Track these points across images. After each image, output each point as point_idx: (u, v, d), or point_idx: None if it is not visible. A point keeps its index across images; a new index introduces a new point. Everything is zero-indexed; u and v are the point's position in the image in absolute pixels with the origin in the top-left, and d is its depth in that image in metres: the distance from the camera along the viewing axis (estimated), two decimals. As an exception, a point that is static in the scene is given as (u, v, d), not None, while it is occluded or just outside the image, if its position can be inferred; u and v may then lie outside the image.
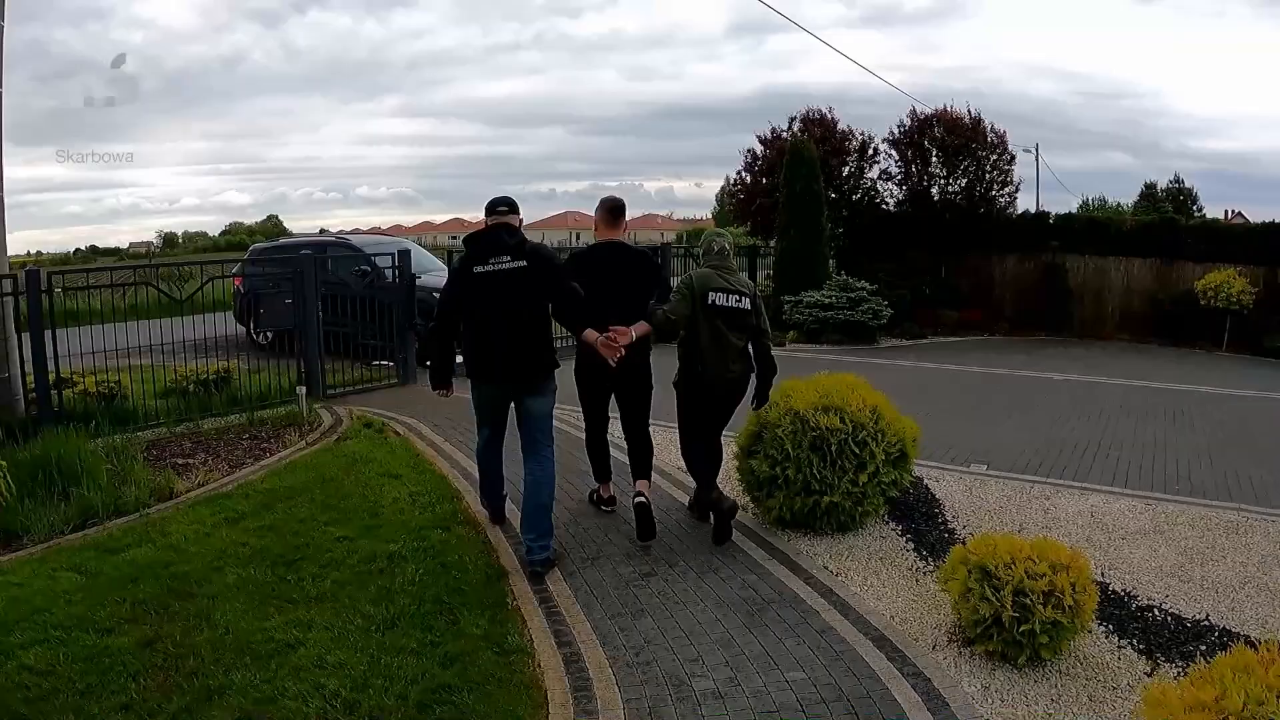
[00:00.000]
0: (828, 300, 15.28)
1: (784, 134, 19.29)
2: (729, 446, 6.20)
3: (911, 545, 5.59)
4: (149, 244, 72.16)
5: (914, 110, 19.36)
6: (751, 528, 5.82)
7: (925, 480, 6.74)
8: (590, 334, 5.38)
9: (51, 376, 8.51)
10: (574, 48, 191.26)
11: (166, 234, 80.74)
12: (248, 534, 5.83)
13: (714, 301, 5.56)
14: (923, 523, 5.94)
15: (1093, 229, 18.84)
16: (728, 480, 6.38)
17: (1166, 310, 16.89)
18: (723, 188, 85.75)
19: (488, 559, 5.37)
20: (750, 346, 5.79)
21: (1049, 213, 20.32)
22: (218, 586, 5.05)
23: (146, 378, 9.38)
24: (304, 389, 9.17)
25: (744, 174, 19.76)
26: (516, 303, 5.19)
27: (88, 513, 6.29)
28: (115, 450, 7.49)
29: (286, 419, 8.97)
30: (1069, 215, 20.36)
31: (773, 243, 19.37)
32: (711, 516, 5.69)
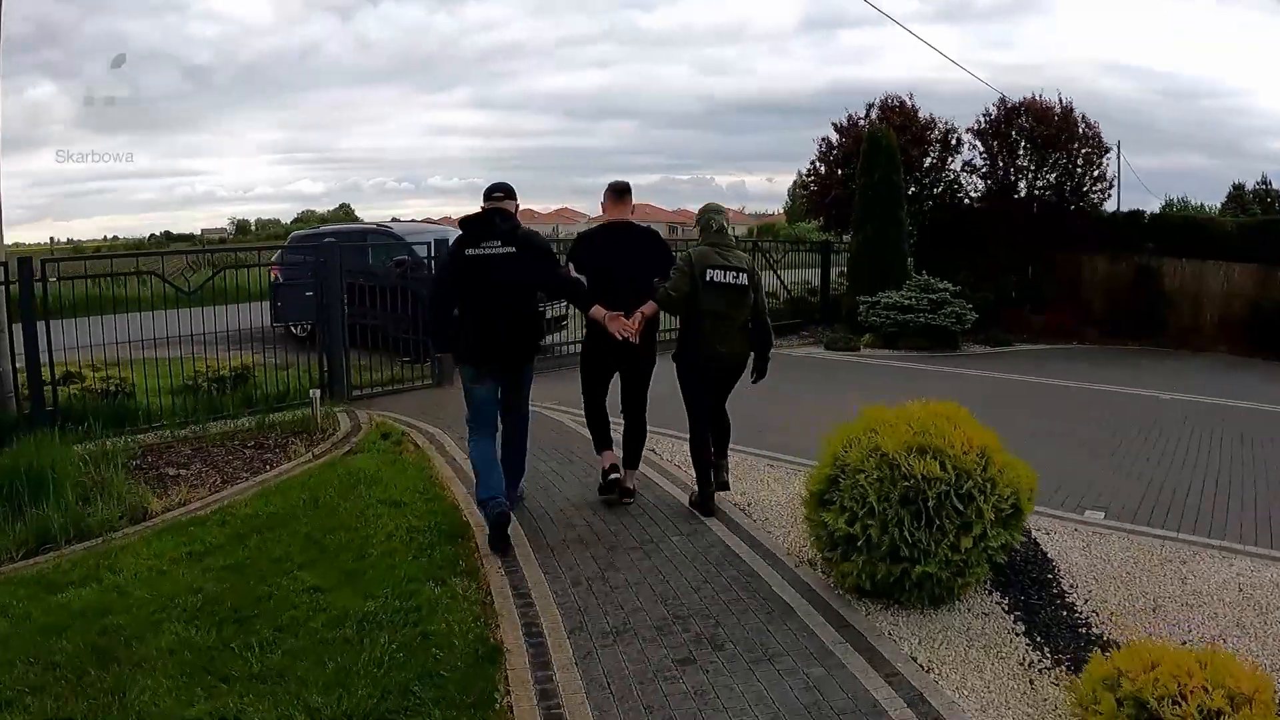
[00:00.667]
0: (907, 302, 13.90)
1: (861, 122, 17.89)
2: (796, 485, 5.66)
3: (1022, 627, 4.28)
4: (222, 230, 72.95)
5: (1002, 99, 17.80)
6: (821, 594, 4.56)
7: (1033, 531, 5.40)
8: (598, 310, 5.42)
9: (56, 371, 7.75)
10: (645, 41, 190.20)
11: (239, 221, 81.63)
12: (207, 575, 4.83)
13: (713, 278, 5.54)
14: (1034, 593, 4.64)
15: (1190, 230, 17.01)
16: (794, 524, 5.34)
17: (1271, 319, 15.02)
18: (795, 182, 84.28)
19: (482, 629, 4.19)
20: (750, 322, 5.81)
21: (1142, 211, 18.52)
22: (149, 649, 4.06)
23: (163, 373, 8.54)
24: (317, 392, 8.16)
25: (818, 164, 18.38)
26: (505, 287, 5.23)
27: (44, 536, 5.44)
28: (103, 457, 6.65)
29: (299, 424, 8.00)
30: (1163, 214, 18.58)
31: (847, 238, 18.04)
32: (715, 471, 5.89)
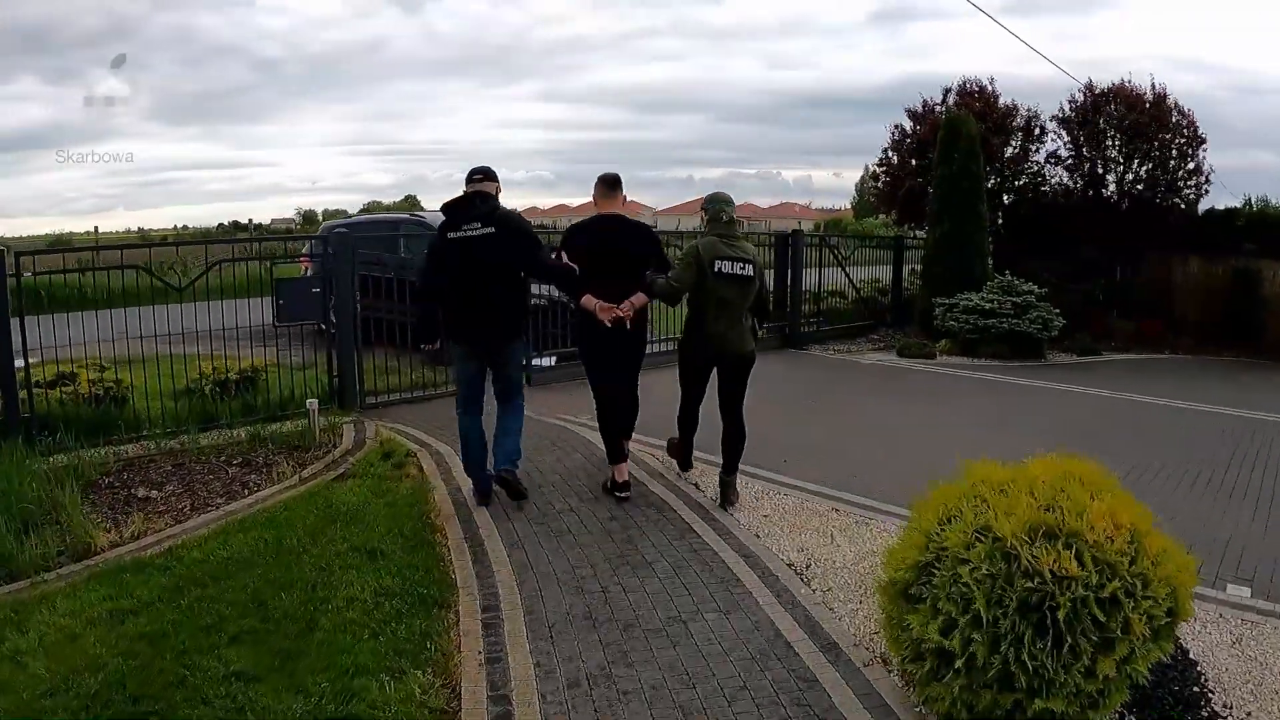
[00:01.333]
0: (989, 305, 12.50)
1: (938, 108, 16.48)
2: (869, 539, 5.06)
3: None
4: (289, 220, 73.49)
5: (1089, 84, 16.20)
6: (899, 715, 3.37)
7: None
8: (589, 300, 5.57)
9: (48, 373, 6.90)
10: (711, 35, 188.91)
11: (306, 211, 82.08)
12: (121, 644, 3.85)
13: (721, 269, 5.53)
14: (1178, 717, 3.40)
15: (1294, 230, 15.16)
16: (865, 596, 4.26)
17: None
18: (862, 177, 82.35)
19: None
20: (753, 313, 5.88)
21: (1238, 208, 16.68)
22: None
23: (166, 374, 7.69)
24: (315, 403, 7.16)
25: (890, 153, 16.98)
26: (485, 266, 5.31)
27: (-36, 578, 4.58)
28: (69, 474, 5.81)
29: (297, 438, 7.03)
30: (1262, 212, 16.69)
31: (919, 233, 16.69)
32: (720, 487, 5.88)
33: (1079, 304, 14.31)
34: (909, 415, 8.52)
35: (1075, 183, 16.42)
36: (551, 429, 7.49)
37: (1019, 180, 16.51)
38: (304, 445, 6.91)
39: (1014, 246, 15.74)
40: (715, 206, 5.82)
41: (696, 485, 6.11)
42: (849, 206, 78.40)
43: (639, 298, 5.59)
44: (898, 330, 14.53)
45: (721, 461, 5.93)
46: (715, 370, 5.83)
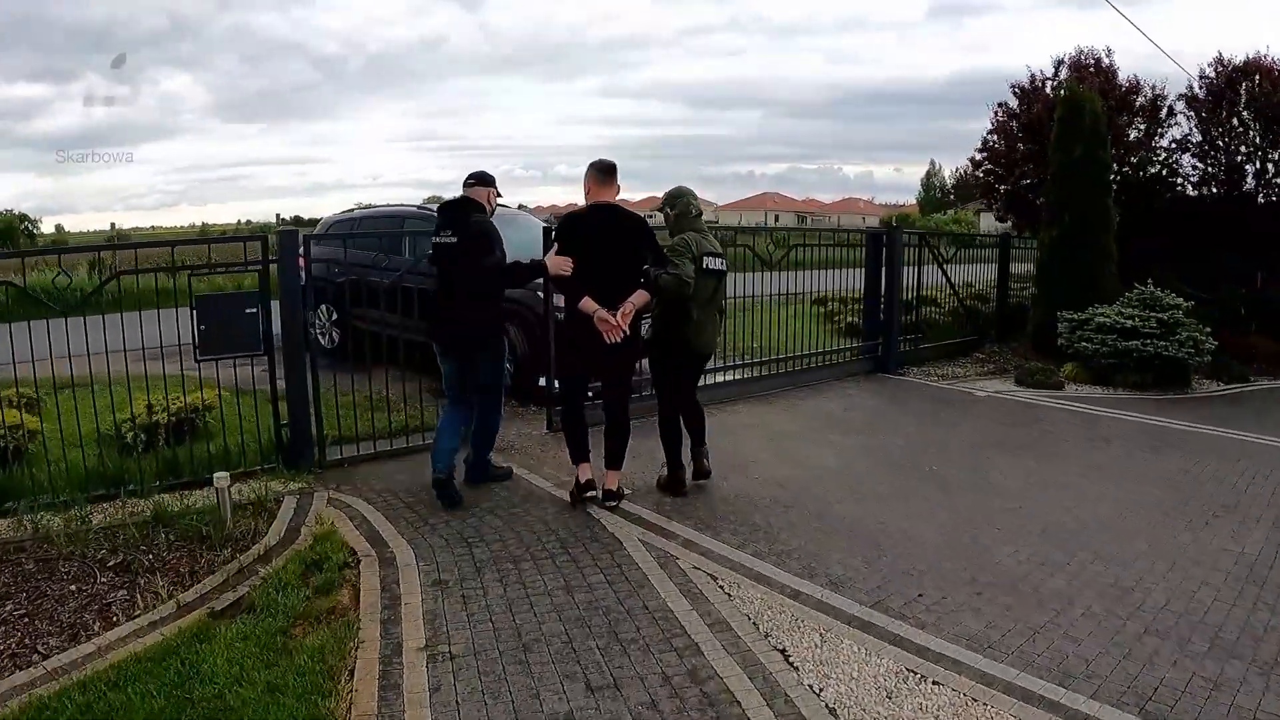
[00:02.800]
0: (1130, 323, 10.00)
1: (1048, 82, 13.95)
2: None
3: None
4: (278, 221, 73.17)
5: (1218, 57, 13.53)
6: None
7: None
8: (589, 304, 5.13)
9: None
10: (770, 30, 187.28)
11: (366, 206, 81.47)
12: None
13: (708, 265, 5.55)
14: None
15: None
16: None
17: None
18: (928, 172, 79.17)
19: None
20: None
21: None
22: None
23: (99, 408, 6.00)
24: (225, 479, 5.04)
25: (993, 138, 14.43)
26: (451, 274, 5.34)
27: None
28: None
29: (213, 517, 4.93)
30: None
31: (1020, 229, 14.21)
32: (690, 470, 5.82)
33: (1216, 319, 11.65)
34: (1084, 494, 5.94)
35: (1207, 173, 13.79)
36: (562, 515, 5.33)
37: (1147, 169, 13.87)
38: (214, 536, 4.81)
39: (1136, 248, 13.10)
40: (685, 200, 5.71)
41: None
42: (915, 202, 75.73)
43: (639, 296, 5.19)
44: (1002, 346, 12.09)
45: (690, 441, 5.90)
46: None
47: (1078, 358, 10.25)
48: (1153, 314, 10.15)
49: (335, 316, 10.24)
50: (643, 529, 4.96)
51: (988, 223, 48.22)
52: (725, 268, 5.72)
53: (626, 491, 5.57)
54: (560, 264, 5.19)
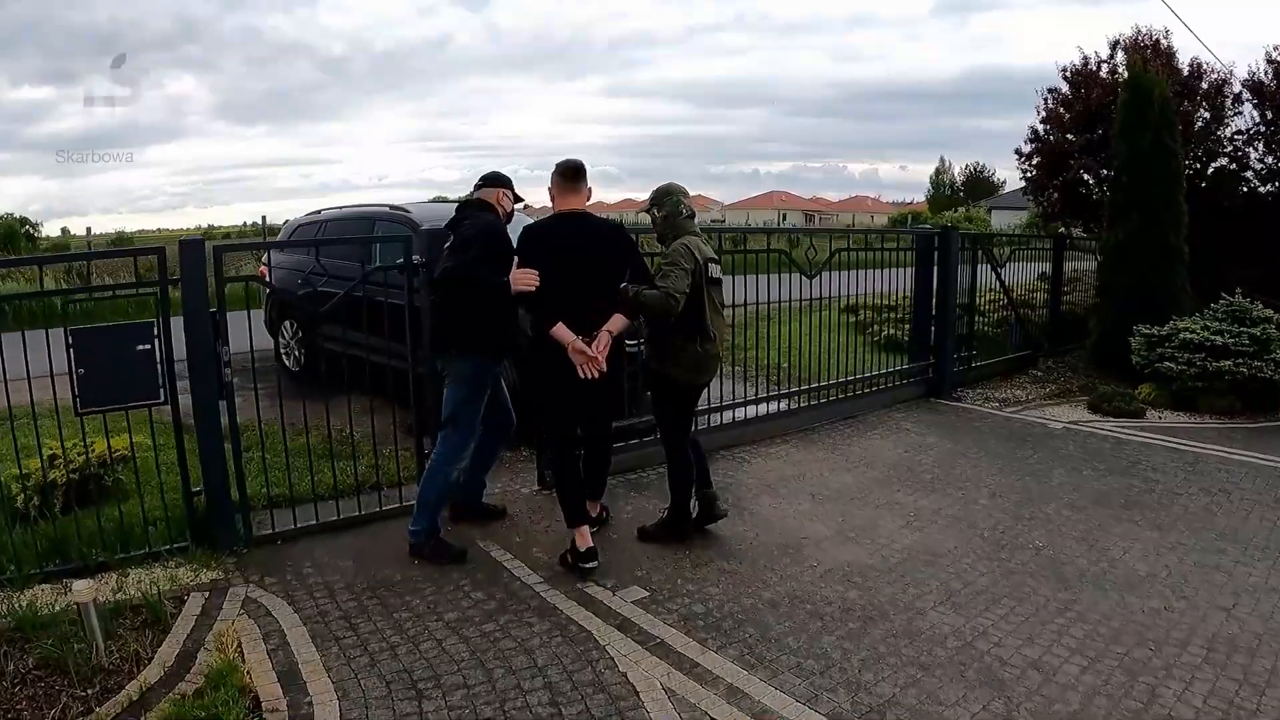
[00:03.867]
0: (1219, 340, 8.54)
1: (1102, 66, 12.49)
2: None
3: None
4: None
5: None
6: None
7: None
8: (563, 333, 4.30)
9: None
10: (775, 29, 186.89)
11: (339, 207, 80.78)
12: None
13: (714, 274, 4.70)
14: None
15: None
16: None
17: None
18: (936, 169, 77.53)
19: None
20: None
21: None
22: None
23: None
24: (90, 591, 3.59)
25: (1042, 127, 12.93)
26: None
27: None
28: None
29: (66, 641, 3.53)
30: None
31: (1075, 230, 12.74)
32: (696, 507, 4.95)
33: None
34: (1238, 581, 4.42)
35: (1274, 168, 12.30)
36: (553, 638, 3.85)
37: (1216, 161, 12.37)
38: (74, 671, 3.40)
39: (1204, 250, 11.60)
40: (674, 199, 4.78)
41: None
42: (923, 199, 74.32)
43: (616, 322, 4.39)
44: (1057, 361, 10.63)
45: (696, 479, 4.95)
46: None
47: (1156, 378, 8.77)
48: (1244, 329, 8.69)
49: (300, 334, 8.83)
50: (668, 666, 3.48)
51: (999, 220, 46.86)
52: (720, 277, 4.85)
53: (608, 516, 5.16)
54: (524, 278, 4.23)
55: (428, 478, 4.63)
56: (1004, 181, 71.69)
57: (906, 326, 9.99)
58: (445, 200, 10.34)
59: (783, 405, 7.21)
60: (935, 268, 8.48)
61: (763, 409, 6.98)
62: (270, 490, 5.09)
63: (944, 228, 9.02)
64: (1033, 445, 6.95)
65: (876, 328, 10.62)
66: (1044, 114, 12.85)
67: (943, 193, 73.24)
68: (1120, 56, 12.45)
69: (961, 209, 55.98)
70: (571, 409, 4.59)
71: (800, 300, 7.08)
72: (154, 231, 66.50)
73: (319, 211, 9.20)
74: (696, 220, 4.80)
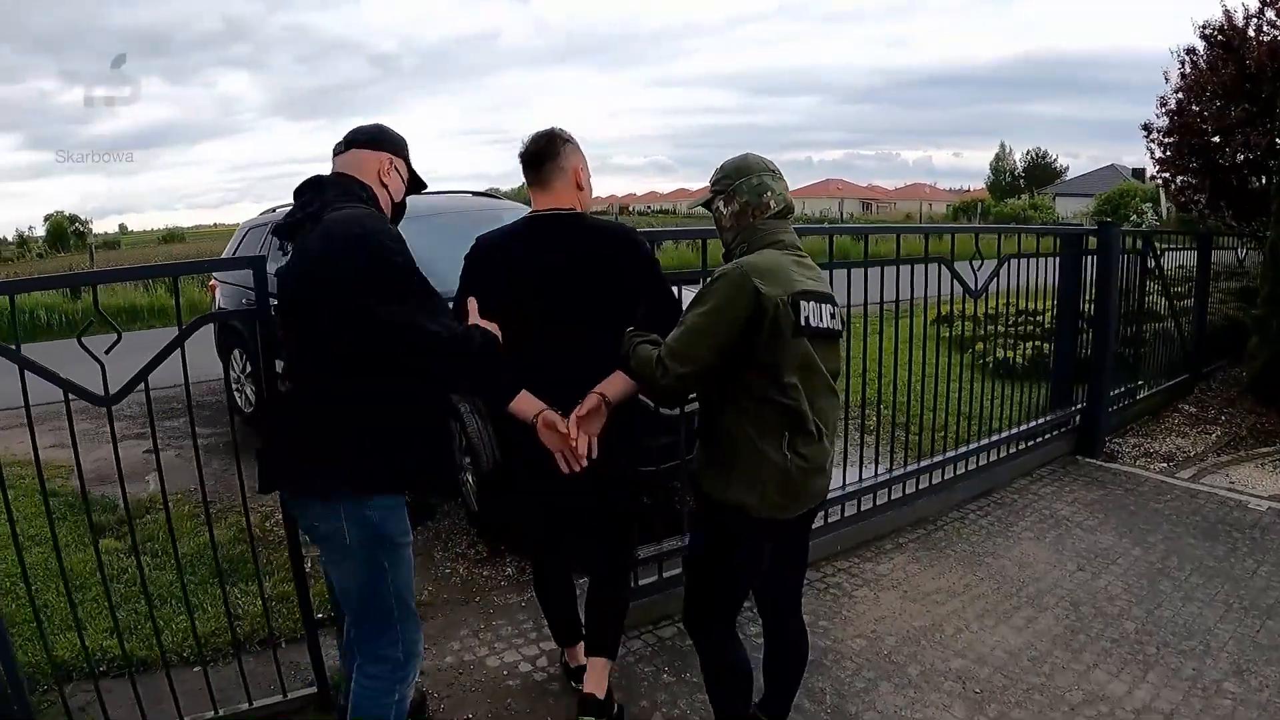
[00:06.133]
0: None
1: (1250, 20, 9.95)
2: None
3: None
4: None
5: None
6: None
7: None
8: (526, 404, 2.65)
9: None
10: (818, 16, 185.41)
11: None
12: None
13: (812, 322, 2.35)
14: None
15: None
16: None
17: None
18: (996, 155, 73.98)
19: None
20: None
21: None
22: None
23: None
24: None
25: (1177, 97, 10.40)
26: None
27: None
28: None
29: None
30: None
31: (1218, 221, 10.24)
32: None
33: None
34: None
35: None
36: None
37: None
38: None
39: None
40: (754, 180, 2.47)
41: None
42: (983, 186, 70.96)
43: (614, 384, 2.64)
44: (1203, 388, 8.24)
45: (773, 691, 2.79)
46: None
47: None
48: None
49: (249, 369, 6.82)
50: None
51: (1064, 208, 43.68)
52: (841, 327, 2.52)
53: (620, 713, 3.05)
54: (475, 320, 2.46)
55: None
56: (1066, 167, 68.15)
57: (1027, 346, 7.67)
58: (493, 194, 8.02)
59: (882, 473, 4.88)
60: (1094, 278, 6.12)
61: (856, 485, 4.71)
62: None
63: (1102, 223, 6.58)
64: (1245, 544, 4.59)
65: (981, 348, 8.21)
66: (1183, 82, 10.31)
67: (1003, 180, 69.79)
68: (1270, 14, 9.92)
69: (1025, 196, 52.88)
70: (550, 528, 2.97)
71: (867, 302, 4.44)
72: (210, 226, 66.02)
73: (274, 209, 7.15)
74: (794, 218, 2.61)
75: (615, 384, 2.64)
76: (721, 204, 2.53)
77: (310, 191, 2.37)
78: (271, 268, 2.58)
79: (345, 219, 2.22)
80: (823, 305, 2.40)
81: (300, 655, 3.24)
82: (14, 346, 2.41)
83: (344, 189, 2.36)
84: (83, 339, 2.51)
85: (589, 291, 2.64)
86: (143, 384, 2.64)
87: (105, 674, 3.27)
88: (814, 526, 4.29)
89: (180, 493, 5.25)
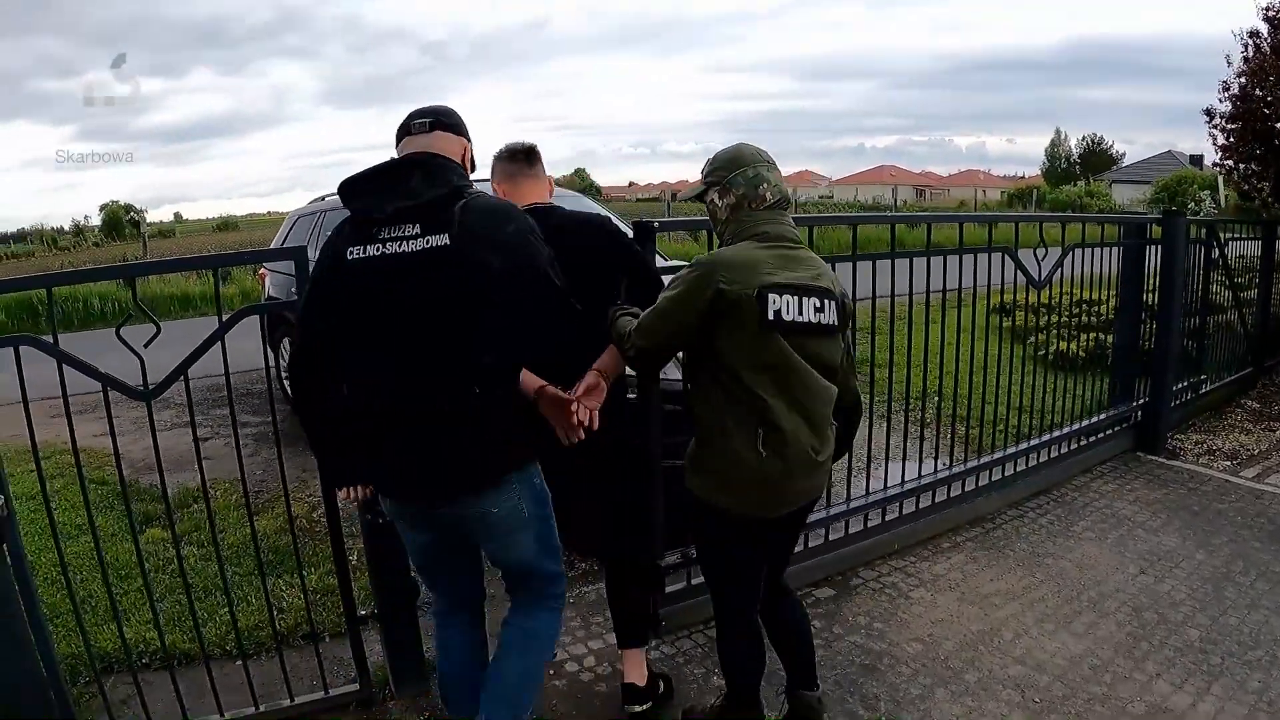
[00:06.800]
0: None
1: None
2: None
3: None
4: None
5: None
6: None
7: None
8: (527, 379, 2.49)
9: None
10: (871, 2, 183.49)
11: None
12: None
13: (782, 313, 2.30)
14: None
15: None
16: None
17: None
18: (1052, 141, 72.42)
19: None
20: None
21: None
22: None
23: None
24: None
25: (1239, 82, 9.97)
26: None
27: None
28: None
29: None
30: None
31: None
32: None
33: None
34: None
35: None
36: None
37: None
38: None
39: None
40: (749, 173, 2.45)
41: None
42: (1038, 173, 69.50)
43: (608, 358, 2.59)
44: (1266, 383, 7.92)
45: (785, 674, 2.81)
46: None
47: None
48: None
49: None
50: None
51: (1120, 195, 42.65)
52: (837, 320, 2.42)
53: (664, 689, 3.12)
54: None
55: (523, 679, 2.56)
56: (1123, 154, 66.55)
57: (1087, 339, 7.42)
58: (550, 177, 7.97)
59: (940, 469, 4.72)
60: (1159, 267, 5.86)
61: (909, 485, 4.54)
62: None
63: (1168, 212, 6.32)
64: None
65: (1040, 337, 7.95)
66: (1247, 65, 9.86)
67: (1058, 166, 68.32)
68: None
69: (1080, 183, 51.74)
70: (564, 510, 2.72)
71: (921, 290, 4.28)
72: (263, 214, 66.96)
73: (322, 198, 7.13)
74: (792, 210, 2.56)
75: (608, 359, 2.65)
76: (716, 196, 2.50)
77: (419, 170, 2.27)
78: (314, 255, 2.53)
79: (500, 203, 2.37)
80: (804, 298, 2.33)
81: (344, 650, 3.20)
82: (51, 339, 2.37)
83: (459, 173, 2.32)
84: (124, 330, 2.47)
85: (577, 281, 2.58)
86: (184, 377, 2.59)
87: (148, 666, 3.26)
88: (871, 525, 4.19)
89: (229, 482, 5.28)
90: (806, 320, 2.34)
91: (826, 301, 2.39)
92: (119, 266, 2.67)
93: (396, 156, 2.36)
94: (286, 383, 7.07)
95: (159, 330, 2.52)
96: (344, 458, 2.37)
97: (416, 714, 3.05)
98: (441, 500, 2.32)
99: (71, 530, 4.47)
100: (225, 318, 2.66)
